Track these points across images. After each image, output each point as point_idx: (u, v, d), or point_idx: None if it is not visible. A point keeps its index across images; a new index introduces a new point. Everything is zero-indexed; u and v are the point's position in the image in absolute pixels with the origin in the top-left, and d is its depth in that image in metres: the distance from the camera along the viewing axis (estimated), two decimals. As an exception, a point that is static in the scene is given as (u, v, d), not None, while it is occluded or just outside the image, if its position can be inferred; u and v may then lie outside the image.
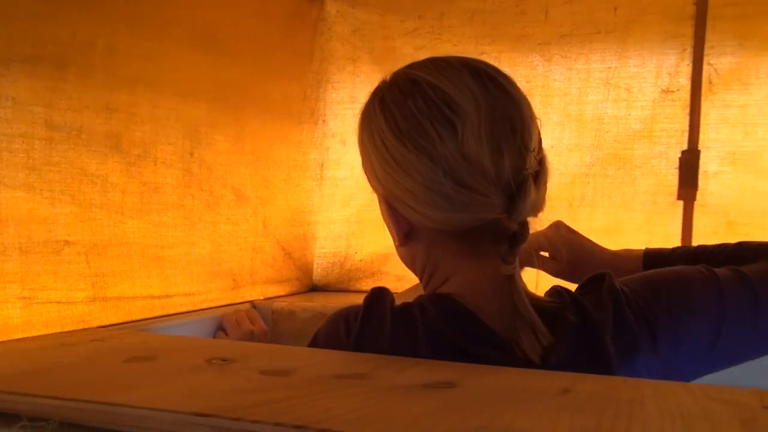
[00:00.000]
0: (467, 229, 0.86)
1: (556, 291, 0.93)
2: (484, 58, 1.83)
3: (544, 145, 1.92)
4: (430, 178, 0.84)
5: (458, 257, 0.90)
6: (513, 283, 0.87)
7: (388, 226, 0.97)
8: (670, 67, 1.73)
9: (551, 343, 0.85)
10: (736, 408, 0.64)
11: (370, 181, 0.95)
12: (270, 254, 1.79)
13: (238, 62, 1.63)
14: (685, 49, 1.71)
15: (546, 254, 1.25)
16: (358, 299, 1.80)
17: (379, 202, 0.96)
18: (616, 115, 1.78)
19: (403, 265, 2.04)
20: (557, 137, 1.83)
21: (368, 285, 2.00)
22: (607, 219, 1.81)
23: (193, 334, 1.40)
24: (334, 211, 2.02)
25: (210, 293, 1.54)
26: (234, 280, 1.63)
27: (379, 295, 0.93)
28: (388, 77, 0.93)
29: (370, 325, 0.90)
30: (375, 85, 1.97)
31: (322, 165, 2.00)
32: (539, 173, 0.88)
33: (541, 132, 1.87)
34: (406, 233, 0.92)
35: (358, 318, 0.92)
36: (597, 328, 0.87)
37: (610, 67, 1.78)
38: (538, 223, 0.91)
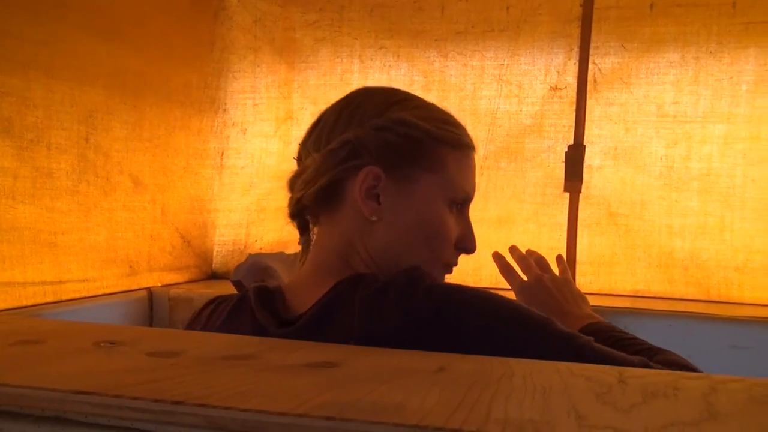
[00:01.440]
0: None
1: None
2: (383, 52, 1.91)
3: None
4: None
5: None
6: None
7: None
8: (558, 66, 1.81)
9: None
10: (595, 383, 0.69)
11: None
12: (168, 241, 1.79)
13: (138, 49, 1.63)
14: (572, 49, 1.79)
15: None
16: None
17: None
18: (508, 111, 1.85)
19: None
20: (453, 131, 1.89)
21: (268, 273, 2.03)
22: (499, 209, 1.88)
23: (87, 320, 1.40)
24: (234, 200, 2.03)
25: (105, 280, 1.54)
26: (130, 266, 1.63)
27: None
28: None
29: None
30: (276, 75, 2.00)
31: (222, 153, 2.00)
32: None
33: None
34: None
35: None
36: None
37: (502, 64, 1.84)
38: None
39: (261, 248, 2.04)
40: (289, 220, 1.05)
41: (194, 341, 0.86)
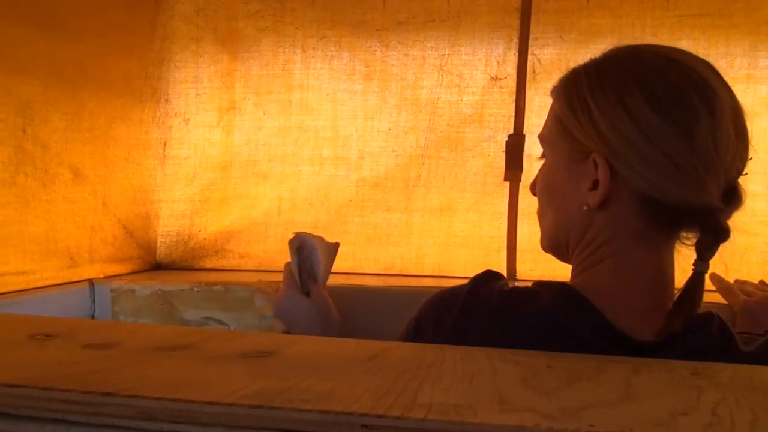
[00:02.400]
0: (672, 210, 0.87)
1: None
2: (325, 42, 1.91)
3: (383, 127, 2.00)
4: (676, 148, 0.84)
5: (635, 238, 0.90)
6: (702, 279, 0.87)
7: (565, 190, 0.95)
8: (498, 56, 1.84)
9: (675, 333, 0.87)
10: (523, 367, 0.72)
11: (573, 137, 0.92)
12: (110, 233, 1.78)
13: (76, 39, 1.61)
14: (511, 40, 1.82)
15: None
16: (202, 277, 1.83)
17: (559, 163, 0.96)
18: (449, 100, 1.87)
19: (247, 243, 2.08)
20: (394, 120, 1.91)
21: (212, 263, 2.03)
22: (440, 199, 1.90)
23: (26, 313, 1.39)
24: (177, 190, 2.02)
25: (45, 272, 1.52)
26: (71, 258, 1.62)
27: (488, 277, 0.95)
28: (613, 51, 0.95)
29: (475, 308, 0.92)
30: (219, 65, 1.99)
31: (165, 144, 1.99)
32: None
33: (381, 116, 1.95)
34: (606, 197, 0.90)
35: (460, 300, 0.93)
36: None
37: (443, 54, 1.86)
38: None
39: (205, 239, 2.03)
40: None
41: (131, 333, 0.87)
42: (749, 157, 0.91)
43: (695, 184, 0.85)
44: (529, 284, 0.97)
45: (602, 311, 0.89)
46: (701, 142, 0.84)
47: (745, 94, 1.73)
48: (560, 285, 0.94)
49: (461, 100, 1.87)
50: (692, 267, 0.88)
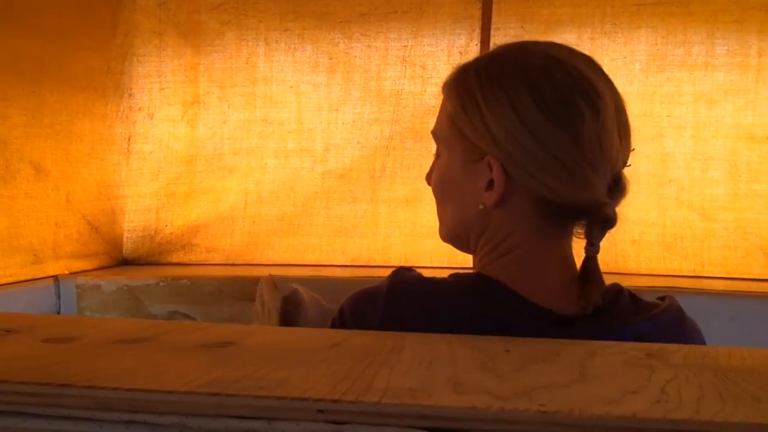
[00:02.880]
0: (564, 208, 0.90)
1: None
2: (288, 34, 1.91)
3: (348, 119, 2.00)
4: (565, 151, 0.87)
5: (533, 232, 0.92)
6: (595, 261, 0.93)
7: (462, 189, 0.96)
8: (461, 47, 1.85)
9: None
10: (481, 353, 0.72)
11: (467, 138, 0.93)
12: (75, 229, 1.77)
13: (35, 34, 1.60)
14: (474, 30, 1.83)
15: None
16: (169, 271, 1.82)
17: (455, 162, 0.96)
18: (413, 91, 1.88)
19: (214, 237, 2.08)
20: (359, 112, 1.91)
21: (179, 257, 2.02)
22: (406, 189, 1.91)
23: (-11, 310, 1.38)
24: (142, 185, 2.01)
25: (8, 269, 1.51)
26: (35, 255, 1.61)
27: (403, 272, 0.96)
28: (500, 49, 0.95)
29: (398, 302, 0.93)
30: (182, 59, 1.98)
31: (129, 139, 1.98)
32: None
33: (345, 107, 1.96)
34: (501, 197, 0.92)
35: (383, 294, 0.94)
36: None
37: (406, 46, 1.87)
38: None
39: (172, 233, 2.03)
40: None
41: (92, 327, 0.86)
42: (632, 149, 0.95)
43: (584, 183, 0.88)
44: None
45: (520, 293, 0.91)
46: (588, 143, 0.87)
47: (703, 81, 1.76)
48: (475, 274, 0.96)
49: (425, 90, 1.88)
50: (584, 251, 0.93)
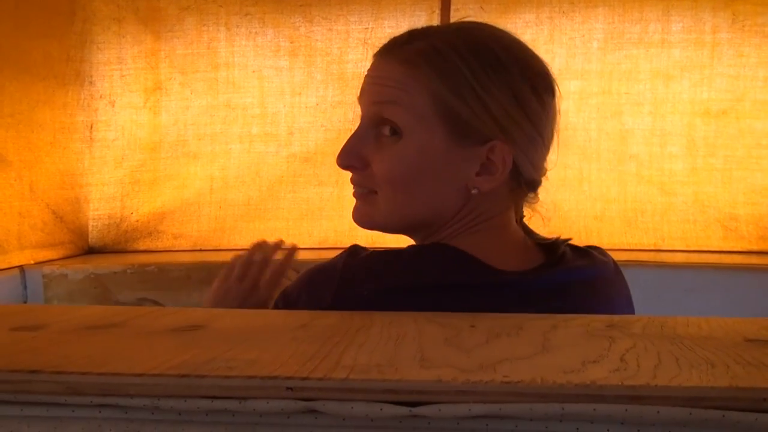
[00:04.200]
0: (530, 182, 0.95)
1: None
2: (249, 19, 1.91)
3: (311, 102, 1.99)
4: (549, 132, 0.94)
5: (506, 210, 0.96)
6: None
7: (443, 172, 0.93)
8: (421, 28, 1.85)
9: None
10: (448, 329, 0.74)
11: (461, 121, 0.90)
12: (39, 218, 1.76)
13: (-8, 22, 1.58)
14: (434, 11, 1.84)
15: None
16: (136, 259, 1.82)
17: (436, 144, 0.91)
18: (375, 74, 1.89)
19: (180, 223, 2.07)
20: (322, 95, 1.92)
21: (146, 245, 2.02)
22: (371, 171, 1.92)
23: (-46, 302, 1.37)
24: (106, 173, 2.00)
25: (-28, 261, 1.51)
26: (-1, 246, 1.60)
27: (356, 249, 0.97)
28: (470, 30, 0.95)
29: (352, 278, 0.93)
30: (142, 45, 1.96)
31: (91, 127, 1.97)
32: None
33: (308, 91, 1.95)
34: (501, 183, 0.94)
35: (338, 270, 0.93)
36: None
37: (367, 28, 1.87)
38: None
39: (137, 221, 2.02)
40: None
41: (60, 315, 0.87)
42: None
43: (546, 158, 0.96)
44: None
45: (478, 257, 0.91)
46: (551, 120, 0.94)
47: (660, 58, 1.79)
48: (432, 243, 0.96)
49: (387, 72, 1.88)
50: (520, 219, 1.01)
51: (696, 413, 0.50)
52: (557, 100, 0.94)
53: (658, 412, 0.50)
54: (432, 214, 0.95)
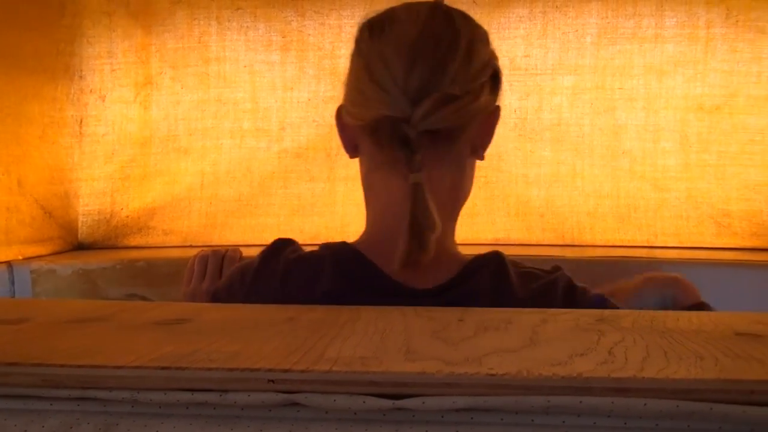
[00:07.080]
0: (379, 132, 0.91)
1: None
2: (240, 13, 1.89)
3: (303, 97, 1.98)
4: (356, 75, 0.95)
5: (378, 169, 0.96)
6: (420, 191, 0.87)
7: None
8: (414, 23, 1.84)
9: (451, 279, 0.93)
10: (436, 322, 0.74)
11: None
12: (27, 213, 1.75)
13: (-20, 15, 1.57)
14: (426, 6, 1.82)
15: None
16: (125, 255, 1.81)
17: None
18: (368, 68, 1.88)
19: (170, 219, 2.07)
20: (314, 90, 1.91)
21: (136, 240, 2.00)
22: (363, 167, 1.91)
23: (-60, 297, 1.36)
24: (96, 168, 1.98)
25: (-40, 256, 1.49)
26: (-13, 241, 1.59)
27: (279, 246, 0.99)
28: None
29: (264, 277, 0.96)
30: (133, 39, 1.95)
31: (81, 121, 1.95)
32: (458, 98, 0.89)
33: (300, 86, 1.93)
34: (353, 146, 1.00)
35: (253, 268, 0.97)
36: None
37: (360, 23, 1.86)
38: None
39: (128, 216, 2.01)
40: None
41: (46, 308, 0.86)
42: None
43: (370, 101, 0.94)
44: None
45: (374, 261, 0.94)
46: (368, 60, 0.97)
47: (653, 53, 1.78)
48: (341, 245, 0.99)
49: (379, 67, 1.87)
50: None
51: (683, 405, 0.49)
52: (378, 38, 0.96)
53: (645, 404, 0.49)
54: None
